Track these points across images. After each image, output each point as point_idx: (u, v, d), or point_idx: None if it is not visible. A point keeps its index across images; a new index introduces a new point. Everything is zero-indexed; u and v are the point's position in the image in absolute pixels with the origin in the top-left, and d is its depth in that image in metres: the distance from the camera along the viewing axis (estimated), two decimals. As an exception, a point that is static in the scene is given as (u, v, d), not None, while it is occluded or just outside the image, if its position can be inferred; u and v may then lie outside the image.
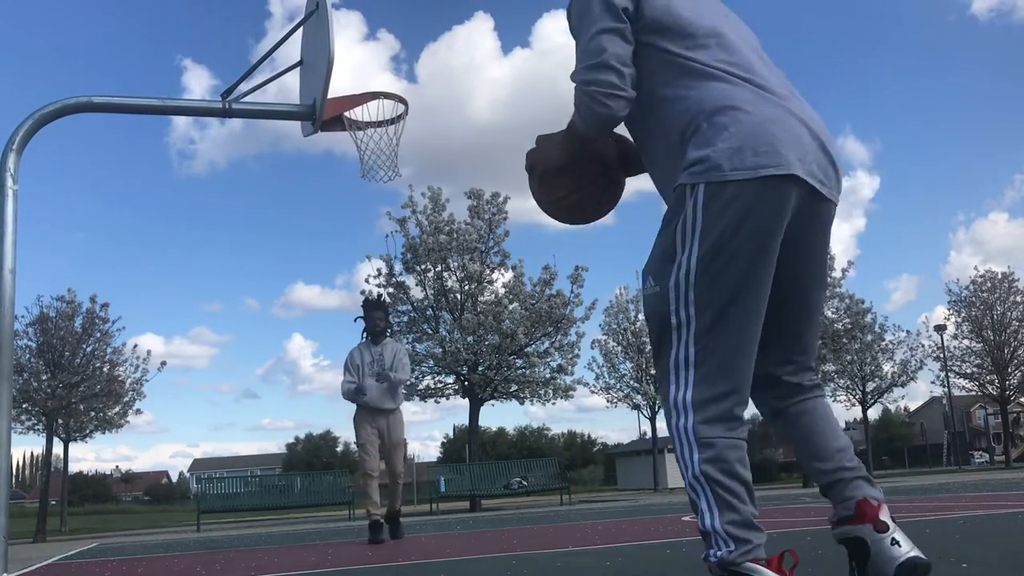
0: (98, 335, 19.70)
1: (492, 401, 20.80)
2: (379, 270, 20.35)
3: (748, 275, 1.82)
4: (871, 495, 1.91)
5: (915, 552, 1.83)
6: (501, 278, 20.61)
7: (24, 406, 18.41)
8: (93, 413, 20.75)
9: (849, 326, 24.28)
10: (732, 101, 1.86)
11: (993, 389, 32.10)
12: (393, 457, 7.34)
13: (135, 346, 20.88)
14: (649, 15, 1.94)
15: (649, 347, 28.14)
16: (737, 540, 1.71)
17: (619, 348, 27.09)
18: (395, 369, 7.29)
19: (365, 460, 7.22)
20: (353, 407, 7.38)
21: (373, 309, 7.52)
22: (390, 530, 7.17)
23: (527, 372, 20.51)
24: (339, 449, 74.13)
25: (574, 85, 1.97)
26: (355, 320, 7.53)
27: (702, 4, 2.02)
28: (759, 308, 1.86)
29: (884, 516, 1.86)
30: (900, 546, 1.83)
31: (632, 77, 1.93)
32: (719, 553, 1.72)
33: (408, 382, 7.56)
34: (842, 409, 30.05)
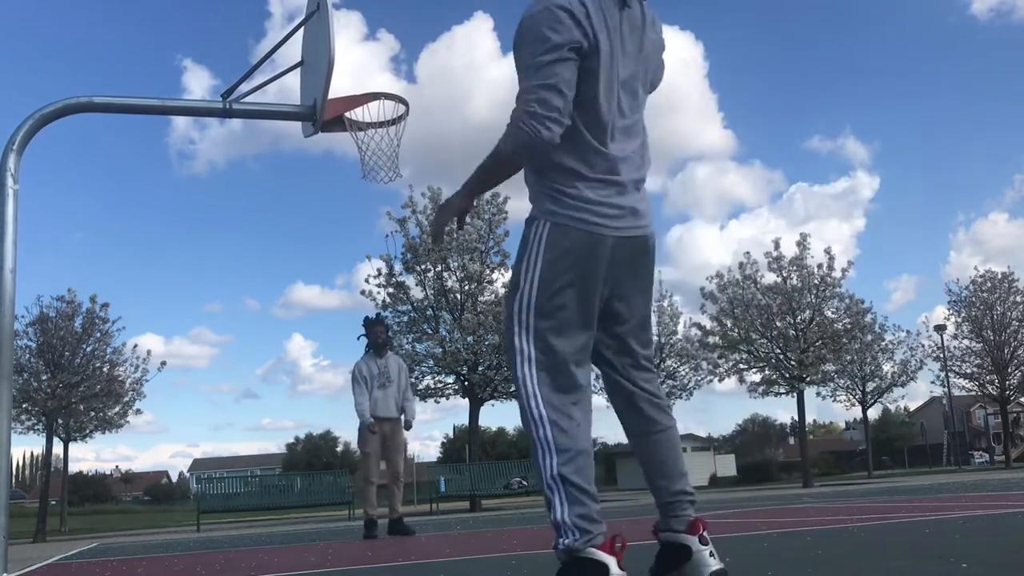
0: (98, 335, 19.72)
1: (492, 401, 20.82)
2: (379, 270, 20.38)
3: (579, 308, 2.19)
4: (700, 516, 2.33)
5: (722, 565, 2.27)
6: (501, 278, 20.61)
7: (24, 406, 18.42)
8: (93, 413, 20.76)
9: (849, 326, 24.29)
10: (585, 188, 2.19)
11: (993, 389, 32.11)
12: (394, 459, 7.92)
13: (135, 346, 20.91)
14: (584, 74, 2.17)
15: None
16: (582, 531, 2.04)
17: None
18: (401, 384, 8.04)
19: (369, 468, 7.88)
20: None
21: (374, 325, 8.21)
22: (398, 531, 7.63)
23: (527, 372, 20.48)
24: (339, 449, 74.10)
25: (514, 107, 2.16)
26: (358, 338, 8.18)
27: (618, 47, 2.22)
28: (584, 334, 2.22)
29: (706, 534, 2.28)
30: (714, 558, 2.25)
31: (569, 107, 2.16)
32: (566, 541, 2.05)
33: (413, 415, 8.22)
34: (842, 409, 30.05)
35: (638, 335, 2.39)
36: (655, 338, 27.07)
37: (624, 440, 2.46)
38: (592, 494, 2.08)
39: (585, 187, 2.19)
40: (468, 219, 2.37)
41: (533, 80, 2.11)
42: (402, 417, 8.05)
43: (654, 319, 27.25)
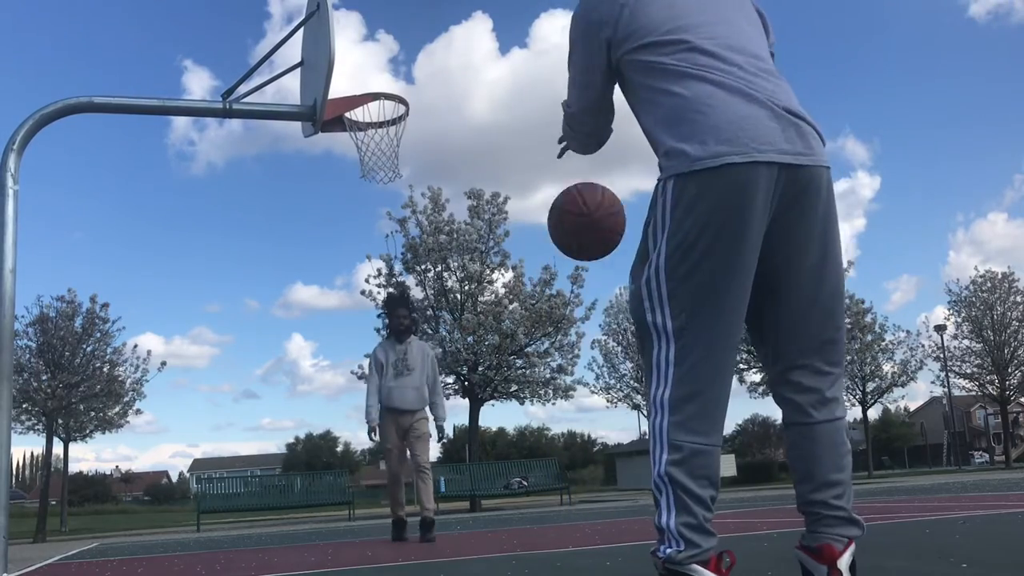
0: (98, 335, 19.71)
1: (492, 401, 20.80)
2: (379, 270, 20.35)
3: (720, 272, 1.84)
4: (845, 534, 1.94)
5: None
6: (501, 278, 20.61)
7: (24, 406, 18.42)
8: (93, 413, 20.76)
9: (849, 326, 24.30)
10: (696, 103, 1.88)
11: (993, 389, 32.10)
12: (419, 451, 6.88)
13: (135, 346, 20.91)
14: (625, 30, 2.02)
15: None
16: (688, 542, 1.77)
17: (619, 348, 27.13)
18: (431, 387, 6.97)
19: (391, 464, 6.98)
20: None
21: (397, 305, 7.21)
22: (424, 532, 6.72)
23: (527, 372, 20.51)
24: (339, 449, 74.16)
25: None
26: (378, 316, 7.22)
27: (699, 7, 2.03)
28: (736, 305, 1.87)
29: (843, 564, 1.88)
30: None
31: (602, 114, 2.22)
32: (668, 551, 1.78)
33: (443, 417, 7.11)
34: (842, 409, 30.05)
35: (807, 295, 1.97)
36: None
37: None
38: (705, 501, 1.80)
39: (709, 112, 1.86)
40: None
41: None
42: (425, 410, 6.95)
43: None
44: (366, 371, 7.02)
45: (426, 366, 6.98)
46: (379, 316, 7.15)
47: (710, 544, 1.79)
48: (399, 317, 7.07)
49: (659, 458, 1.82)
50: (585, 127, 2.30)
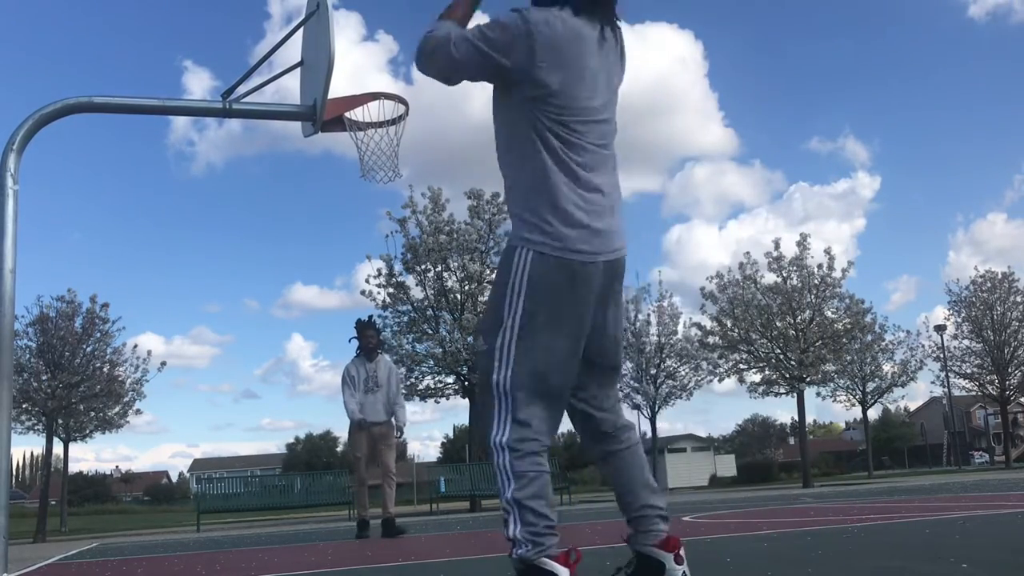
0: (98, 335, 19.69)
1: (492, 401, 20.76)
2: (379, 270, 20.36)
3: (562, 343, 2.23)
4: (668, 529, 2.37)
5: None
6: (501, 278, 20.59)
7: (24, 406, 18.40)
8: (93, 413, 20.73)
9: (849, 326, 24.29)
10: (571, 198, 2.23)
11: (993, 389, 32.10)
12: (386, 458, 8.01)
13: (135, 346, 20.88)
14: (544, 79, 2.21)
15: (649, 347, 28.11)
16: (534, 544, 2.15)
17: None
18: (391, 389, 8.10)
19: (359, 470, 8.06)
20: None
21: (366, 328, 8.22)
22: (390, 532, 7.62)
23: (527, 372, 20.48)
24: (339, 449, 74.08)
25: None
26: (349, 340, 8.27)
27: (590, 85, 2.28)
28: (572, 368, 2.28)
29: (682, 552, 2.33)
30: None
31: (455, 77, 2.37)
32: (519, 551, 2.16)
33: (404, 421, 8.26)
34: (842, 409, 30.08)
35: (609, 356, 2.41)
36: (655, 338, 27.10)
37: None
38: (544, 513, 2.18)
39: (564, 213, 2.22)
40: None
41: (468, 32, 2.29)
42: (392, 421, 8.07)
43: (654, 319, 27.28)
44: (343, 384, 8.15)
45: (391, 382, 8.15)
46: (349, 340, 8.37)
47: (552, 541, 2.16)
48: (368, 338, 8.17)
49: (507, 488, 2.19)
50: (439, 66, 2.38)
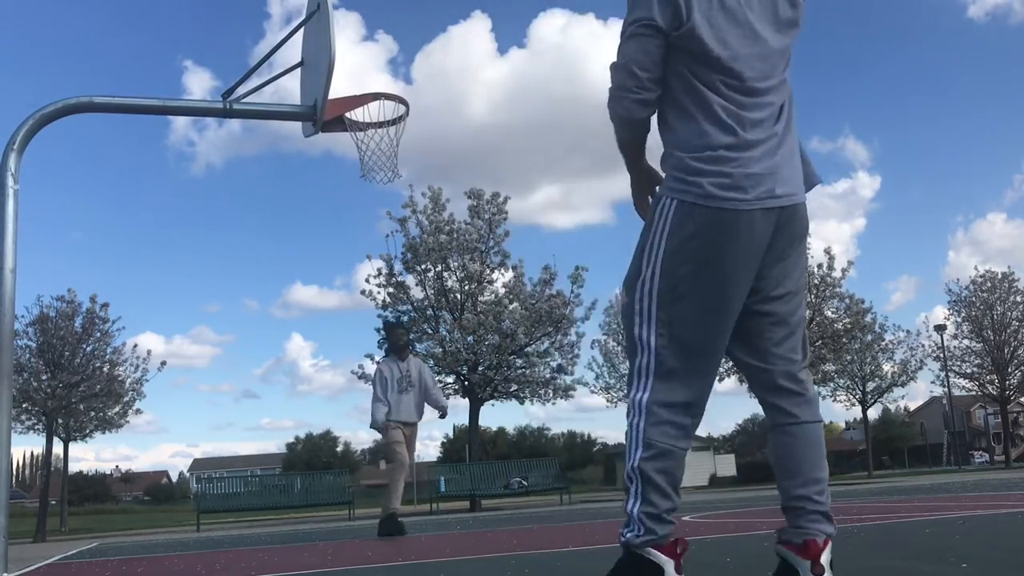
0: (98, 335, 19.71)
1: (492, 401, 20.81)
2: (379, 270, 20.36)
3: (710, 299, 2.05)
4: (824, 531, 2.07)
5: None
6: (501, 278, 20.63)
7: (24, 406, 18.41)
8: (93, 413, 20.75)
9: (849, 326, 24.29)
10: (720, 145, 2.03)
11: (993, 389, 32.11)
12: (409, 457, 7.97)
13: (135, 346, 20.91)
14: (690, 37, 2.04)
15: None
16: (647, 529, 2.02)
17: (619, 348, 27.09)
18: (426, 386, 8.02)
19: (400, 455, 7.71)
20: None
21: (395, 328, 8.35)
22: (392, 527, 7.60)
23: (527, 372, 20.51)
24: (339, 449, 74.13)
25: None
26: (378, 343, 8.28)
27: (736, 34, 2.08)
28: (723, 327, 2.09)
29: (824, 559, 2.03)
30: None
31: (653, 80, 2.08)
32: (628, 534, 2.05)
33: (446, 404, 8.33)
34: (842, 409, 30.09)
35: (785, 313, 2.15)
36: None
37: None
38: (668, 495, 2.04)
39: (711, 156, 2.02)
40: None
41: (616, 57, 2.11)
42: (416, 425, 8.02)
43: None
44: (374, 384, 8.01)
45: (424, 378, 8.05)
46: (378, 343, 8.28)
47: (666, 531, 2.04)
48: (398, 336, 8.17)
49: (634, 454, 2.04)
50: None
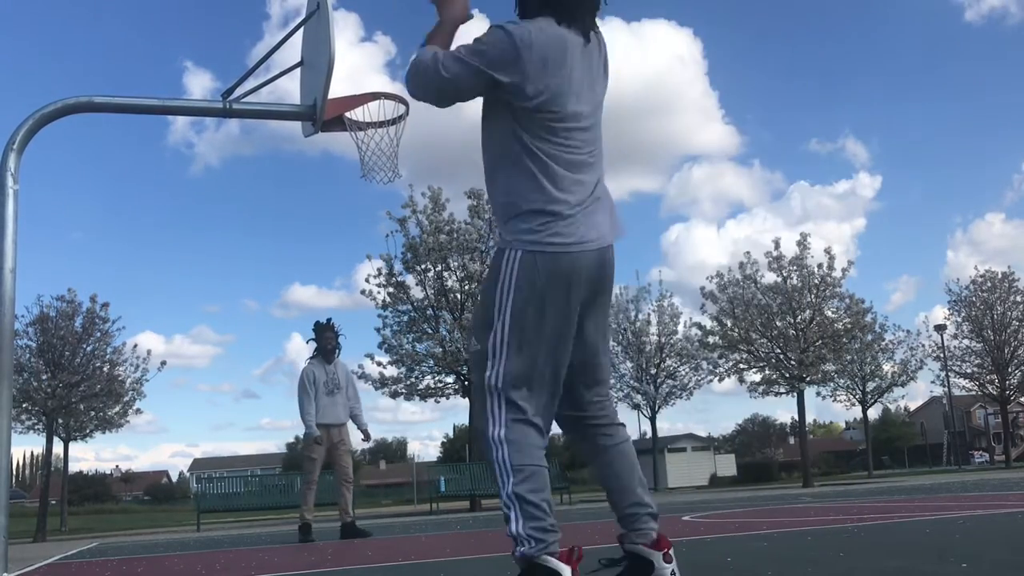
0: (98, 335, 19.70)
1: (492, 401, 20.77)
2: (379, 270, 20.36)
3: (552, 338, 2.25)
4: (657, 528, 2.38)
5: None
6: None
7: (24, 406, 18.40)
8: (93, 413, 20.73)
9: (849, 326, 24.28)
10: (558, 198, 2.27)
11: (993, 389, 32.10)
12: (343, 462, 8.14)
13: (135, 346, 20.89)
14: (531, 90, 2.25)
15: (649, 347, 28.08)
16: (536, 540, 2.15)
17: (619, 348, 27.10)
18: (348, 391, 8.09)
19: (312, 472, 8.08)
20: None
21: (324, 330, 8.14)
22: (351, 534, 7.98)
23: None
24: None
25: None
26: (307, 341, 8.24)
27: (576, 92, 2.31)
28: (565, 358, 2.30)
29: (671, 552, 2.33)
30: None
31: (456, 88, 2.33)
32: (522, 549, 2.16)
33: (366, 424, 8.34)
34: (842, 409, 30.09)
35: (596, 355, 2.43)
36: (655, 338, 27.10)
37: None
38: (545, 509, 2.18)
39: (552, 213, 2.26)
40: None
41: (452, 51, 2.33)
42: (346, 426, 8.06)
43: (654, 319, 27.28)
44: (300, 387, 7.98)
45: (350, 385, 8.12)
46: (308, 341, 8.33)
47: (555, 539, 2.17)
48: (327, 339, 8.08)
49: (506, 482, 2.19)
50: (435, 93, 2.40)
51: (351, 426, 8.23)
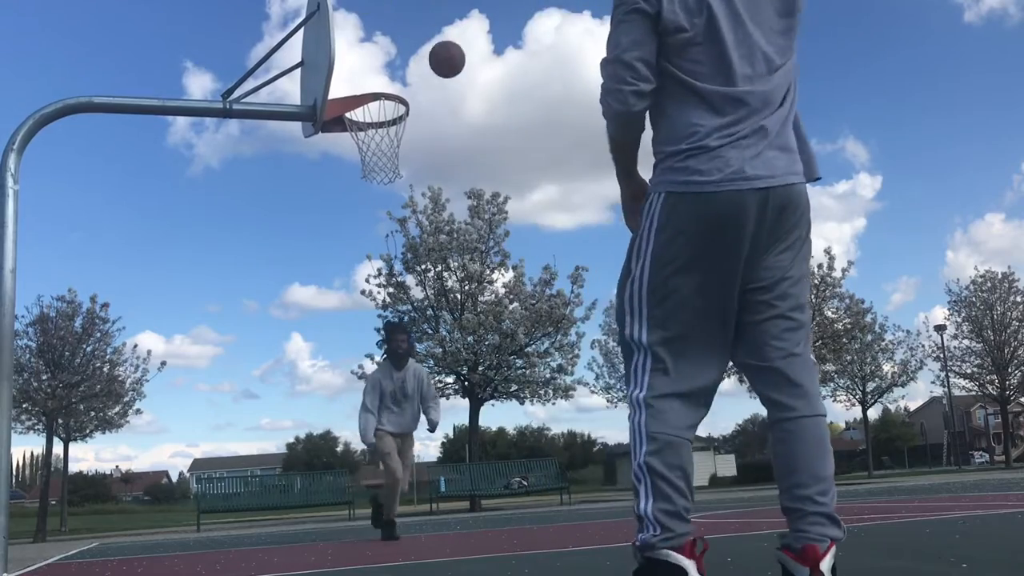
0: (98, 335, 19.70)
1: (492, 401, 20.81)
2: (379, 270, 20.36)
3: (701, 290, 1.96)
4: (827, 535, 1.91)
5: None
6: (501, 278, 20.62)
7: (24, 406, 18.41)
8: (93, 413, 20.75)
9: (849, 326, 24.29)
10: (703, 131, 1.94)
11: (993, 389, 32.10)
12: (403, 463, 7.38)
13: (135, 346, 20.90)
14: (665, 19, 1.97)
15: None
16: (663, 527, 1.87)
17: (619, 348, 27.11)
18: (424, 398, 7.27)
19: (393, 467, 7.15)
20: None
21: (396, 332, 7.44)
22: (387, 534, 7.11)
23: (527, 372, 20.50)
24: (339, 449, 74.11)
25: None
26: (377, 344, 7.62)
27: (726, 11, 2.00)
28: (717, 318, 1.99)
29: (825, 566, 1.86)
30: None
31: (649, 67, 1.98)
32: (643, 536, 1.89)
33: (437, 420, 7.45)
34: (842, 409, 30.11)
35: (784, 301, 2.03)
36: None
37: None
38: (682, 490, 1.90)
39: (699, 146, 1.94)
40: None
41: (605, 52, 2.02)
42: (411, 436, 7.36)
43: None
44: (365, 393, 7.25)
45: (422, 388, 7.31)
46: (378, 344, 7.49)
47: (685, 530, 1.89)
48: (398, 341, 7.31)
49: (638, 451, 1.92)
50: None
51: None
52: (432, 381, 7.57)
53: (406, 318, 20.13)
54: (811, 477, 1.94)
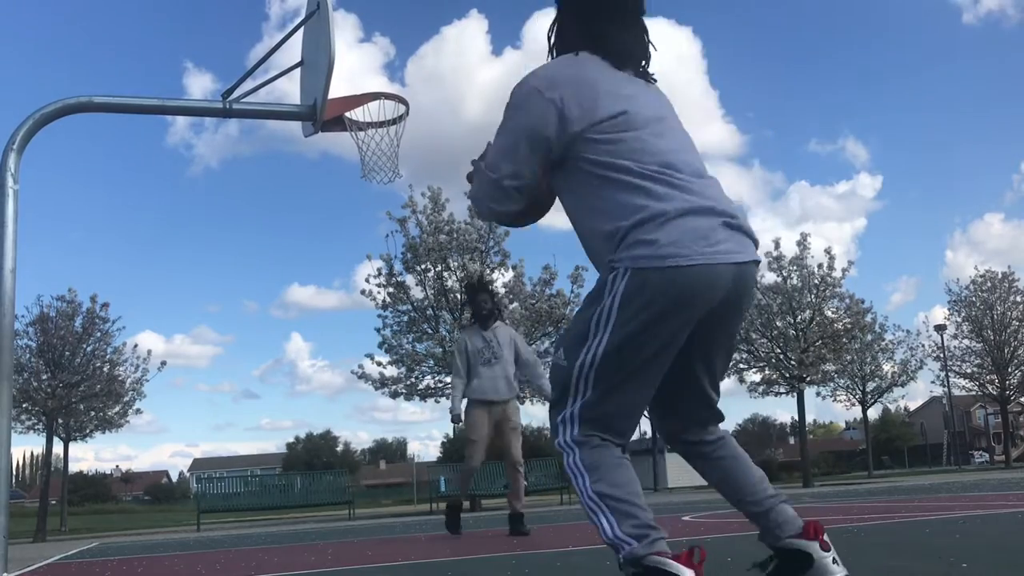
0: (98, 335, 19.70)
1: (492, 401, 20.78)
2: (379, 270, 20.35)
3: (651, 361, 1.93)
4: (814, 520, 2.08)
5: (846, 572, 2.03)
6: (501, 278, 20.60)
7: (24, 406, 18.41)
8: (93, 413, 20.74)
9: (849, 326, 24.29)
10: (650, 212, 1.90)
11: (993, 389, 32.11)
12: (512, 446, 6.81)
13: (135, 346, 20.90)
14: (572, 129, 1.99)
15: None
16: (639, 536, 1.84)
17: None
18: (525, 365, 6.79)
19: (473, 457, 6.92)
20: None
21: (477, 292, 6.95)
22: (517, 530, 6.68)
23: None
24: (339, 449, 74.17)
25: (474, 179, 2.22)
26: (462, 307, 7.21)
27: (620, 94, 2.04)
28: (654, 382, 1.99)
29: (826, 537, 2.03)
30: (838, 565, 2.01)
31: (527, 188, 2.12)
32: (627, 550, 1.84)
33: (543, 378, 6.80)
34: (842, 409, 30.12)
35: (715, 379, 2.13)
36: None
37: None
38: (637, 502, 1.88)
39: (664, 222, 1.90)
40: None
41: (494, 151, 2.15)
42: (513, 401, 6.78)
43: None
44: (452, 359, 6.94)
45: (518, 349, 6.77)
46: (462, 306, 6.99)
47: (659, 534, 1.86)
48: (480, 302, 6.78)
49: (583, 485, 1.92)
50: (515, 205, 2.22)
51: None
52: (526, 344, 6.94)
53: (413, 316, 20.07)
54: (757, 484, 2.13)
